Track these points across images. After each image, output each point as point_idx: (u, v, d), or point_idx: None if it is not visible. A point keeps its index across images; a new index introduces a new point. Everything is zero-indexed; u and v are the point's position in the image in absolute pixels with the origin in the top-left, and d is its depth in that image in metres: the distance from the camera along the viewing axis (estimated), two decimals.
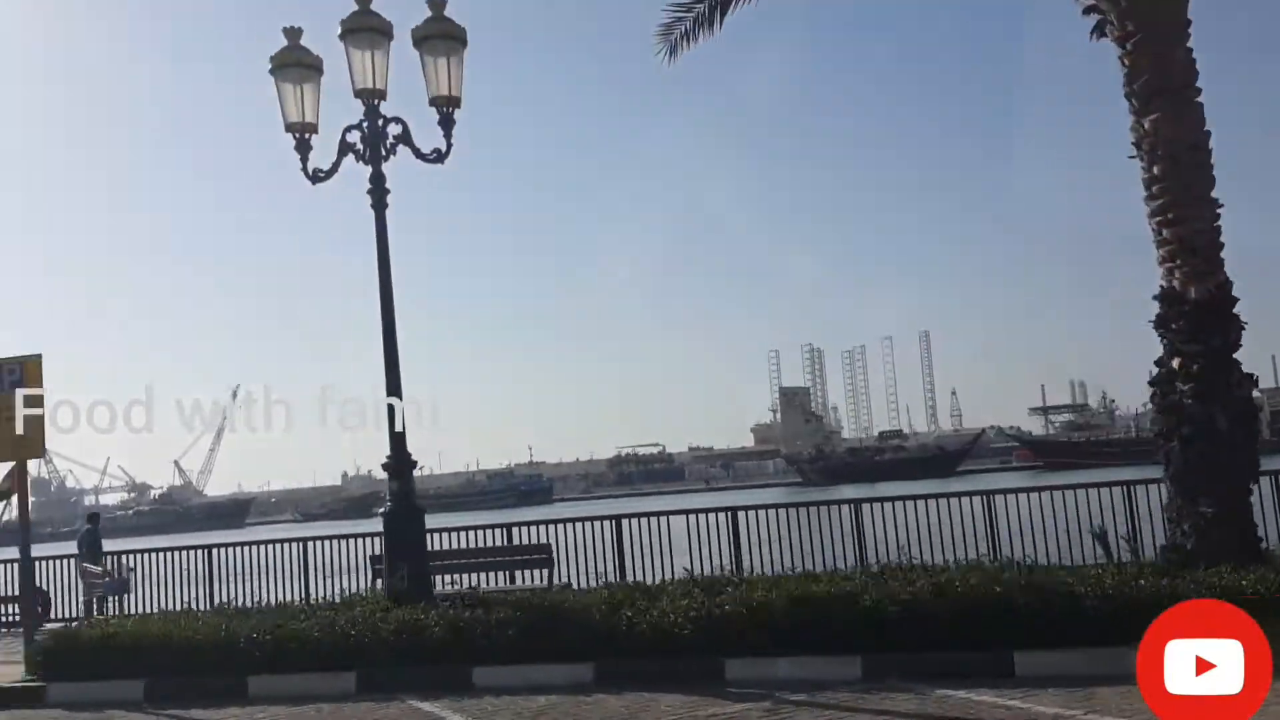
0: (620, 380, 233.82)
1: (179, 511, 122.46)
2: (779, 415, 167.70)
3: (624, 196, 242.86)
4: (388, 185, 10.40)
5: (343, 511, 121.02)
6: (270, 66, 10.55)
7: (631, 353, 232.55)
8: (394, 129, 10.41)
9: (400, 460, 10.35)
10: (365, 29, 10.24)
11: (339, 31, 10.32)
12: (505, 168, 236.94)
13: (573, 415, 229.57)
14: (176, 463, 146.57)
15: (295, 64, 10.49)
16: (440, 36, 10.35)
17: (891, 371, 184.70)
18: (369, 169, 10.34)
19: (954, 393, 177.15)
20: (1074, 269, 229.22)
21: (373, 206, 10.39)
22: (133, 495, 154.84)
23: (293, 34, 10.50)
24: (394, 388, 10.35)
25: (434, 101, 10.44)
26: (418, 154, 10.49)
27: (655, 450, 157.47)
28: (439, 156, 10.46)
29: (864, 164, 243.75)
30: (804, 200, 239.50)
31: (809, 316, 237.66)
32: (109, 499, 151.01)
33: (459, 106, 10.43)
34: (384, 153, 10.37)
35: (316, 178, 10.50)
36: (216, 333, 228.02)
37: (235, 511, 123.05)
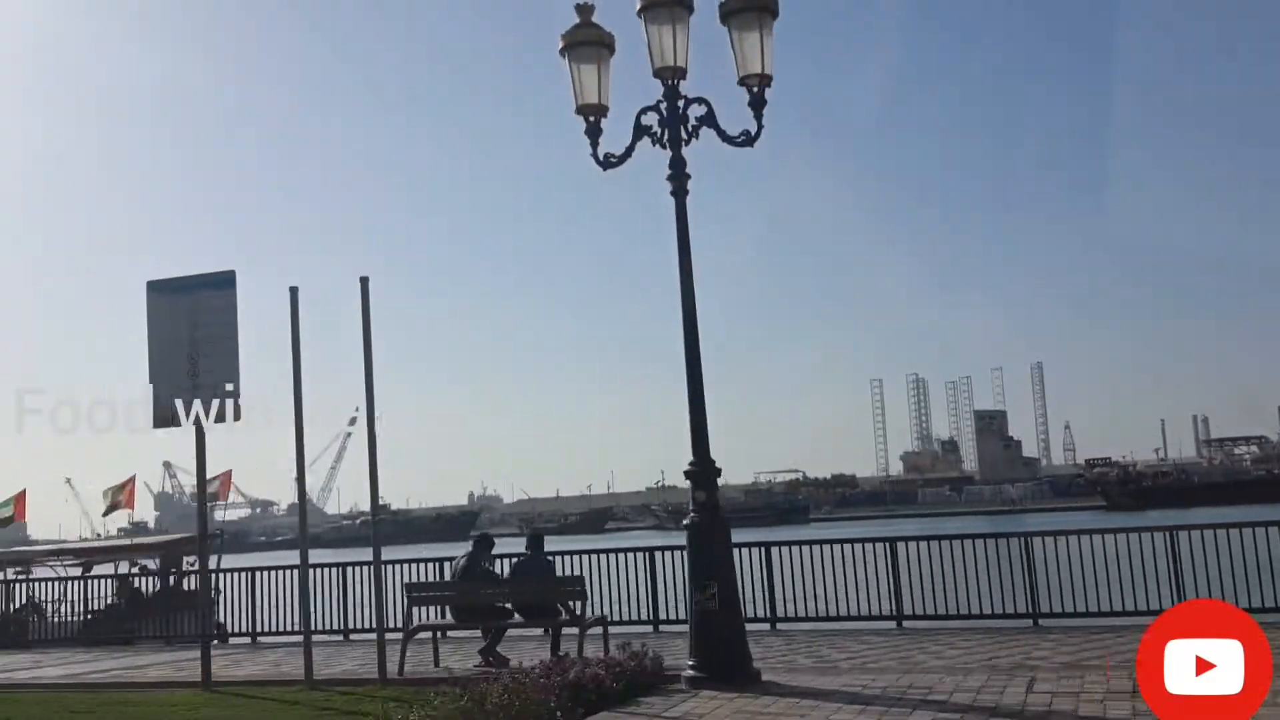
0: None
1: (400, 522, 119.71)
2: (975, 440, 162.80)
3: (714, 214, 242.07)
4: (688, 171, 9.54)
5: (575, 526, 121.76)
6: (561, 46, 9.87)
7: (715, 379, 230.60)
8: (696, 110, 9.54)
9: (704, 467, 9.30)
10: (666, 2, 9.45)
11: (637, 7, 9.59)
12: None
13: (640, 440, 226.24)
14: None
15: (588, 42, 9.80)
16: (752, 9, 9.47)
17: (1001, 402, 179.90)
18: (668, 153, 9.52)
19: (1067, 426, 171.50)
20: (1181, 302, 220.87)
21: (673, 194, 9.56)
22: (257, 512, 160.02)
23: (585, 10, 9.89)
24: (696, 391, 9.37)
25: (744, 80, 9.48)
26: (724, 137, 9.64)
27: (795, 476, 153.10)
28: (748, 139, 9.49)
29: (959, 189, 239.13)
30: (899, 221, 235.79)
31: (906, 345, 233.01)
32: (231, 514, 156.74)
33: (770, 85, 9.54)
34: (685, 136, 9.59)
35: (608, 163, 9.81)
36: None
37: (463, 522, 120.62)
